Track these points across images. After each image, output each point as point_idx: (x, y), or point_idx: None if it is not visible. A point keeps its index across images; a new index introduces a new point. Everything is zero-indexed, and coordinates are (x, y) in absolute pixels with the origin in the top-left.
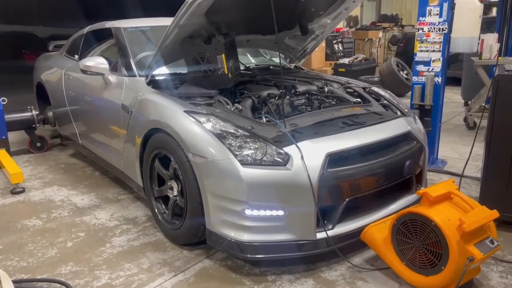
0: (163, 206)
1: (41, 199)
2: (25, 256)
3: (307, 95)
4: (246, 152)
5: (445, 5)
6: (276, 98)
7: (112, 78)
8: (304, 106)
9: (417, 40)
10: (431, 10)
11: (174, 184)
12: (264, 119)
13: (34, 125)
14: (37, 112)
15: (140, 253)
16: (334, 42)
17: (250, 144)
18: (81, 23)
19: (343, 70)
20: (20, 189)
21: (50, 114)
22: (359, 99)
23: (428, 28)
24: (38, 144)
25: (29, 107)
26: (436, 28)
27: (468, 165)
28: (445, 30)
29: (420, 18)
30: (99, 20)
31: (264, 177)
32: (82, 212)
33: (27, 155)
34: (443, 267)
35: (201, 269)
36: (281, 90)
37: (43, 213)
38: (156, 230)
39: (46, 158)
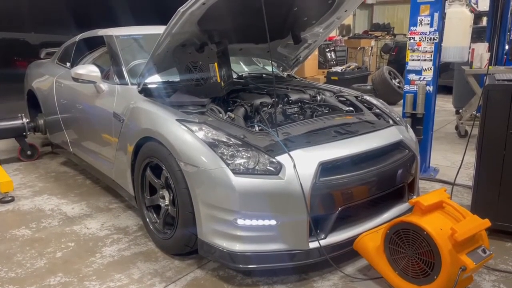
0: (155, 216)
1: (31, 208)
2: (13, 267)
3: (299, 104)
4: (239, 161)
5: (436, 15)
6: (269, 106)
7: (104, 86)
8: (296, 115)
9: (408, 49)
10: (422, 19)
11: (165, 193)
12: (257, 128)
13: (24, 133)
14: (27, 120)
15: (131, 263)
16: (327, 50)
17: (243, 153)
18: (73, 31)
19: (336, 78)
20: (10, 198)
21: (41, 122)
22: (351, 108)
23: (419, 38)
24: (29, 152)
25: (19, 114)
26: (427, 38)
27: (460, 173)
28: (436, 40)
29: (412, 28)
30: (91, 28)
31: (257, 186)
32: (72, 222)
33: (17, 163)
34: (435, 277)
35: (192, 280)
36: (273, 99)
37: (33, 223)
38: (148, 240)
39: (36, 166)
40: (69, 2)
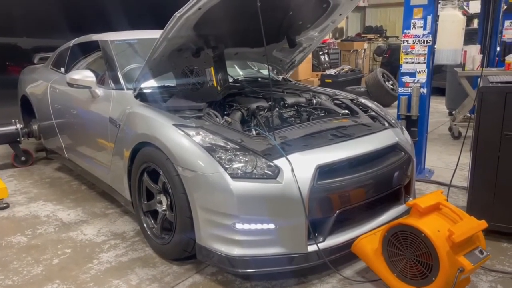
0: (152, 221)
1: (26, 215)
2: (10, 274)
3: (295, 107)
4: (236, 165)
5: (429, 18)
6: (265, 110)
7: (99, 91)
8: (293, 118)
9: (402, 52)
10: (415, 22)
11: (163, 198)
12: (254, 132)
13: (18, 139)
14: (21, 126)
15: (129, 269)
16: (320, 53)
17: (240, 157)
18: (66, 35)
19: (330, 81)
20: (4, 205)
21: (35, 127)
22: (347, 111)
23: (413, 41)
24: (23, 158)
25: (13, 120)
26: (421, 41)
27: (455, 174)
28: (429, 42)
29: (405, 31)
30: (83, 32)
31: (255, 190)
32: (68, 228)
33: (11, 169)
34: (434, 278)
35: (191, 285)
36: (270, 103)
37: (28, 230)
38: (145, 245)
39: (31, 172)
40: (61, 6)
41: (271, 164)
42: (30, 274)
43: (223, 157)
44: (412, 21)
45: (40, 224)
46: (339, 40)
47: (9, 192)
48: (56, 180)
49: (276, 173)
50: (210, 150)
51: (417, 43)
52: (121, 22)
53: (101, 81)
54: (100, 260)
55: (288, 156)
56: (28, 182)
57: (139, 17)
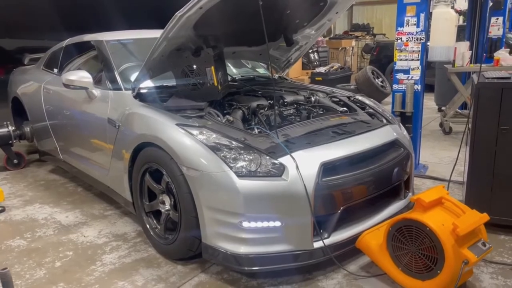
0: (155, 221)
1: (23, 218)
2: (12, 278)
3: (295, 105)
4: (241, 163)
5: (422, 15)
6: (266, 108)
7: (96, 92)
8: (293, 116)
9: (396, 49)
10: (409, 20)
11: (166, 198)
12: (256, 130)
13: (10, 141)
14: (13, 128)
15: (133, 270)
16: (310, 51)
17: (245, 155)
18: (50, 35)
19: (320, 78)
20: (0, 209)
21: (28, 129)
22: (345, 108)
23: (407, 38)
24: (15, 161)
25: (5, 122)
26: (414, 38)
27: (449, 169)
28: (422, 40)
29: (398, 28)
30: (68, 32)
31: (261, 188)
32: (68, 230)
33: (4, 172)
34: (439, 271)
35: (197, 284)
36: (269, 101)
37: (27, 233)
38: (147, 246)
39: (24, 175)
40: (44, 7)
41: (276, 162)
42: (33, 278)
43: (227, 156)
44: (406, 18)
45: (39, 227)
46: (327, 38)
47: (4, 195)
48: (51, 183)
49: (281, 170)
50: (215, 149)
51: (410, 41)
52: (102, 21)
53: (96, 82)
54: (103, 262)
55: (292, 154)
56: (22, 185)
57: (128, 16)
